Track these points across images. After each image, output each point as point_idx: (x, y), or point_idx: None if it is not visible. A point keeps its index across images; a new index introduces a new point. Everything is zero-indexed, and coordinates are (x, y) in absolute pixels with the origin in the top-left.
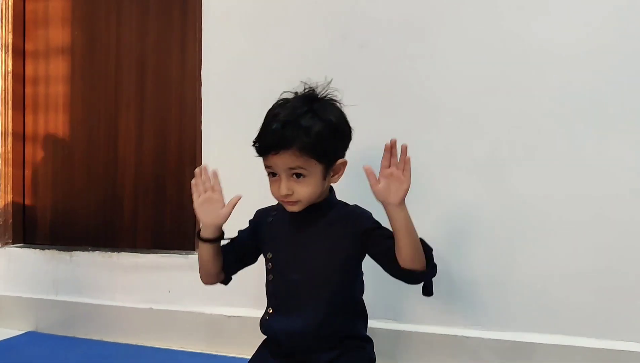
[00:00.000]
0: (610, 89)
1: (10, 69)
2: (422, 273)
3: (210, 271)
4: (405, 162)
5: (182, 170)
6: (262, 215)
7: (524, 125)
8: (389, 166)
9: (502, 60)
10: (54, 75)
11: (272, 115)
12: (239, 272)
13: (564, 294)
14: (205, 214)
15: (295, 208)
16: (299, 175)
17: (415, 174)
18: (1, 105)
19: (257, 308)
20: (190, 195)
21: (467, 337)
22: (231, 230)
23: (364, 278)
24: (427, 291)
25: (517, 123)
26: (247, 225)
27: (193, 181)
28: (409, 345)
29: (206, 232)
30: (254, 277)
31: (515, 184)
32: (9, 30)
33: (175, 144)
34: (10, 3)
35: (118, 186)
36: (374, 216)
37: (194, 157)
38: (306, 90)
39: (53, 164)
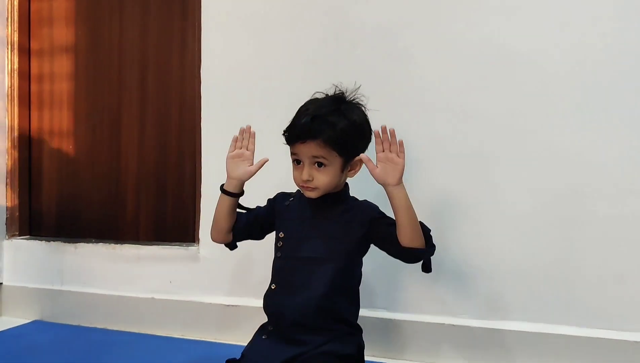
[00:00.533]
0: (592, 86)
1: (16, 66)
2: (421, 251)
3: (221, 226)
4: (399, 145)
5: (183, 165)
6: (281, 197)
7: (508, 122)
8: (383, 150)
9: (488, 60)
10: (59, 72)
11: (304, 110)
12: (237, 263)
13: (548, 284)
14: (233, 167)
15: (312, 194)
16: (320, 164)
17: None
18: (7, 102)
19: (255, 298)
20: (190, 190)
21: (453, 325)
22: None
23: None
24: (426, 268)
25: (502, 120)
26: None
27: (234, 136)
28: (397, 333)
29: (229, 185)
30: (251, 268)
31: (500, 178)
32: (15, 29)
33: (176, 139)
34: (16, 3)
35: (121, 180)
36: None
37: (194, 152)
38: (336, 93)
39: (58, 159)
